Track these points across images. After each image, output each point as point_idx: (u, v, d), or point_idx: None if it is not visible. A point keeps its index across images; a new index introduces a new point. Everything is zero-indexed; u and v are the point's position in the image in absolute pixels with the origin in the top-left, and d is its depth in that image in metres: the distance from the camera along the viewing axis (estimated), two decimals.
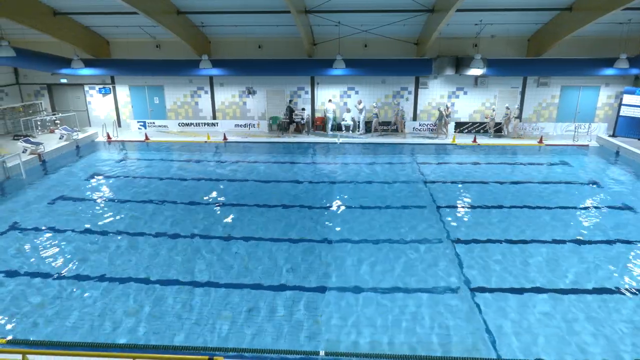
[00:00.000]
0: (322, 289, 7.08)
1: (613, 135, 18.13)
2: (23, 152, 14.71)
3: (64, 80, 20.49)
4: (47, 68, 18.63)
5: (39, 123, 19.14)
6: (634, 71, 17.25)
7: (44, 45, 18.46)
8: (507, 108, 18.93)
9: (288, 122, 19.22)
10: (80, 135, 18.40)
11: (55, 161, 15.44)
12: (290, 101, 19.68)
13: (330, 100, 19.64)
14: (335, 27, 17.24)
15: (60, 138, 17.47)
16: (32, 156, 14.92)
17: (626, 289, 7.06)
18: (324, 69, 18.36)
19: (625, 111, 17.89)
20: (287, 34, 18.37)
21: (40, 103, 20.74)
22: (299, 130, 19.80)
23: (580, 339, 5.89)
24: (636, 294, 6.90)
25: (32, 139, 16.09)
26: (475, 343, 5.81)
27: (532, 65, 18.31)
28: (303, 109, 20.04)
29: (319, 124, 20.17)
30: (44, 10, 16.17)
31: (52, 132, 19.05)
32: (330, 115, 19.39)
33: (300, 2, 15.26)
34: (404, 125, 19.45)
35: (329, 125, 19.59)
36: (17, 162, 13.31)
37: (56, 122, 19.77)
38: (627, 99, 17.81)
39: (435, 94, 19.94)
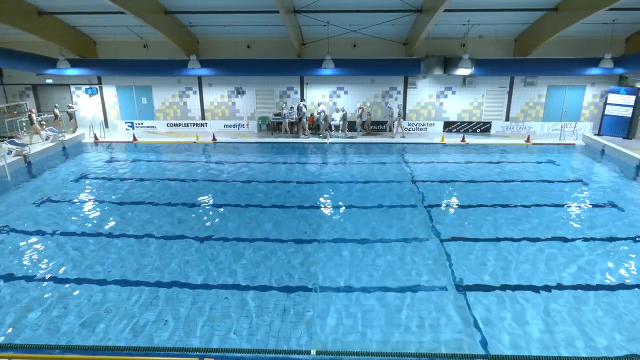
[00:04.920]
0: (313, 289, 7.06)
1: (598, 134, 18.42)
2: (8, 153, 14.47)
3: (49, 81, 20.24)
4: (32, 68, 18.39)
5: (24, 124, 18.86)
6: (619, 71, 17.54)
7: (29, 45, 18.21)
8: (391, 108, 19.27)
9: (297, 122, 19.28)
10: (67, 137, 18.17)
11: (41, 163, 15.22)
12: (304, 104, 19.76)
13: (319, 105, 19.51)
14: (324, 27, 17.26)
15: (46, 139, 17.23)
16: (17, 158, 14.69)
17: (615, 284, 7.16)
18: (313, 68, 18.38)
19: (610, 110, 18.19)
20: (276, 34, 18.34)
21: (26, 104, 20.44)
22: (286, 130, 19.75)
23: (571, 334, 5.96)
24: (624, 289, 7.01)
25: (17, 141, 15.84)
26: (465, 340, 5.85)
27: (519, 65, 18.52)
28: (292, 108, 20.01)
29: (309, 124, 20.12)
30: (28, 10, 15.94)
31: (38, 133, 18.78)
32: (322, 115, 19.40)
33: (288, 2, 15.24)
34: (394, 125, 19.49)
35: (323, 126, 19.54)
36: (2, 163, 13.08)
37: (42, 123, 19.49)
38: (612, 98, 18.11)
39: (424, 94, 20.07)
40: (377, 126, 20.04)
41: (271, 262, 7.98)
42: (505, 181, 12.83)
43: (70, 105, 19.91)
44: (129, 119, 20.79)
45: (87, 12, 16.45)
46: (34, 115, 17.75)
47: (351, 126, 19.50)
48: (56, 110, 18.92)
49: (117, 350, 5.59)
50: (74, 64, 18.47)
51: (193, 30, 18.67)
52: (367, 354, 5.53)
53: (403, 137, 18.94)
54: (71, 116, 19.39)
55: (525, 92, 19.85)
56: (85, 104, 20.97)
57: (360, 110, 19.24)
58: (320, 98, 20.18)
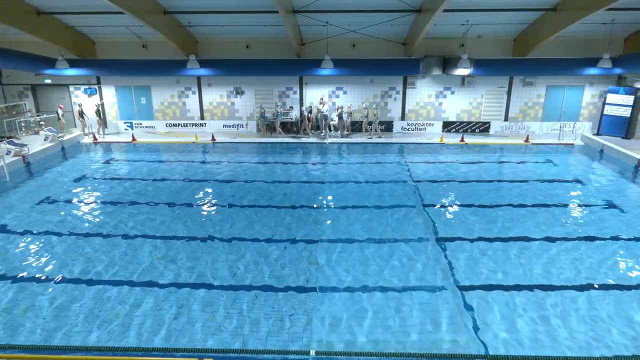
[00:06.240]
0: (311, 289, 7.07)
1: (597, 134, 18.44)
2: (7, 154, 14.45)
3: (48, 81, 20.21)
4: (31, 68, 18.35)
5: (23, 124, 18.85)
6: (617, 71, 17.55)
7: (28, 45, 18.18)
8: (366, 109, 19.22)
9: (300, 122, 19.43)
10: (66, 137, 18.15)
11: (40, 163, 15.20)
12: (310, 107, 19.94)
13: (323, 105, 19.42)
14: (323, 27, 17.27)
15: (45, 139, 17.21)
16: (16, 158, 14.67)
17: (615, 284, 7.17)
18: (312, 68, 18.36)
19: (609, 110, 18.21)
20: (275, 33, 18.33)
21: (24, 104, 20.42)
22: (287, 130, 19.76)
23: (566, 333, 5.98)
24: (620, 289, 7.02)
25: (16, 141, 15.83)
26: (464, 339, 5.85)
27: (518, 65, 18.53)
28: (291, 107, 20.00)
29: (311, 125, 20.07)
30: (27, 10, 15.91)
31: (37, 133, 18.77)
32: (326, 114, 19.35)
33: (288, 2, 15.24)
34: (369, 124, 19.34)
35: (324, 126, 19.46)
36: (1, 164, 13.06)
37: (41, 123, 19.48)
38: (611, 98, 18.13)
39: (423, 94, 20.07)
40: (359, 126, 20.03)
41: (270, 262, 7.98)
42: (504, 181, 12.85)
43: (97, 103, 19.97)
44: (128, 119, 20.78)
45: (86, 12, 16.43)
46: (60, 111, 19.20)
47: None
48: (79, 109, 19.13)
49: (117, 351, 5.59)
50: (72, 64, 18.44)
51: (192, 30, 18.65)
52: (367, 354, 5.53)
53: (370, 137, 18.85)
54: (98, 114, 19.50)
55: (524, 92, 19.87)
56: (84, 104, 20.86)
57: (339, 110, 19.16)
58: (319, 98, 20.14)
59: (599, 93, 19.59)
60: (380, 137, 18.87)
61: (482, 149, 17.36)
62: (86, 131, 19.38)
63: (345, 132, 19.46)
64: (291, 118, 19.59)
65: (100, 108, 19.62)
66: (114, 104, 20.96)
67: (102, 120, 19.66)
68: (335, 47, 18.39)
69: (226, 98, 20.60)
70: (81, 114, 19.10)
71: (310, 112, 19.53)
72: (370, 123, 19.15)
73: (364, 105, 19.54)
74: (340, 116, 19.02)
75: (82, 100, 20.62)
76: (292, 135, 19.34)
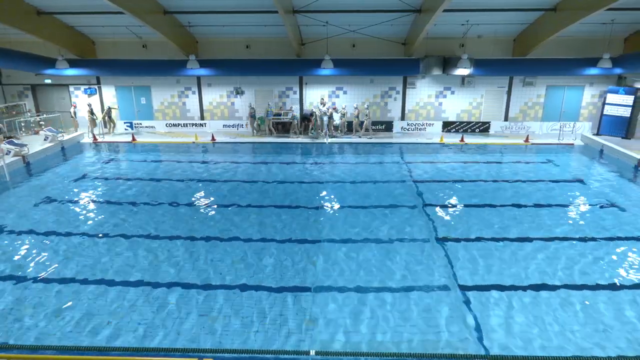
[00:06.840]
0: (311, 289, 7.07)
1: (597, 134, 18.44)
2: (7, 154, 14.43)
3: (48, 81, 20.22)
4: (31, 68, 18.36)
5: (22, 124, 18.84)
6: (617, 71, 17.56)
7: (28, 45, 18.19)
8: (357, 109, 19.11)
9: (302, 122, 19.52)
10: (66, 137, 18.15)
11: (40, 163, 15.20)
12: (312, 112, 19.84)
13: (324, 105, 19.35)
14: (323, 27, 17.27)
15: (45, 139, 17.20)
16: (16, 158, 14.67)
17: (615, 284, 7.17)
18: (312, 69, 18.36)
19: (608, 110, 18.21)
20: (275, 33, 18.34)
21: (24, 104, 20.42)
22: (287, 130, 19.76)
23: (567, 333, 5.97)
24: (620, 289, 7.02)
25: (16, 141, 15.82)
26: (464, 340, 5.85)
27: (518, 65, 18.53)
28: (291, 107, 20.00)
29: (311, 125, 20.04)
30: (27, 10, 15.92)
31: (37, 133, 18.77)
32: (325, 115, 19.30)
33: (287, 2, 15.24)
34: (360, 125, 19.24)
35: (325, 125, 19.41)
36: (1, 164, 13.05)
37: (41, 123, 19.48)
38: (611, 98, 18.13)
39: (423, 94, 20.07)
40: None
41: (270, 262, 7.98)
42: (504, 181, 12.84)
43: (111, 106, 20.27)
44: (127, 119, 20.77)
45: (86, 12, 16.44)
46: (71, 110, 19.50)
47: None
48: (89, 108, 19.15)
49: (117, 351, 5.59)
50: (72, 64, 18.45)
51: (192, 30, 18.66)
52: (366, 354, 5.53)
53: (370, 138, 18.74)
54: (109, 115, 19.80)
55: (524, 92, 19.87)
56: (84, 104, 20.89)
57: (330, 110, 19.09)
58: (320, 98, 20.14)
59: (598, 93, 19.59)
60: (371, 138, 18.77)
61: (482, 149, 17.35)
62: (89, 132, 19.22)
63: (344, 134, 19.43)
64: (290, 118, 19.54)
65: (108, 110, 19.85)
66: (114, 104, 20.95)
67: (110, 121, 19.97)
68: (335, 47, 18.39)
69: (226, 98, 20.60)
70: (91, 113, 19.07)
71: (311, 114, 19.54)
72: (361, 123, 19.12)
73: (354, 105, 19.51)
74: (330, 116, 18.97)
75: (89, 100, 20.61)
76: (281, 135, 19.31)
